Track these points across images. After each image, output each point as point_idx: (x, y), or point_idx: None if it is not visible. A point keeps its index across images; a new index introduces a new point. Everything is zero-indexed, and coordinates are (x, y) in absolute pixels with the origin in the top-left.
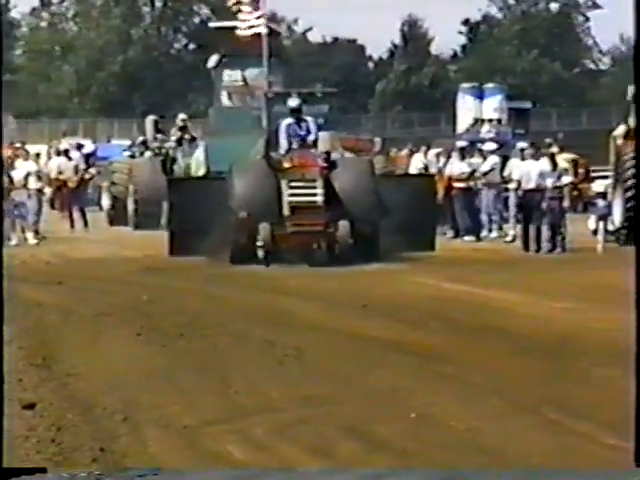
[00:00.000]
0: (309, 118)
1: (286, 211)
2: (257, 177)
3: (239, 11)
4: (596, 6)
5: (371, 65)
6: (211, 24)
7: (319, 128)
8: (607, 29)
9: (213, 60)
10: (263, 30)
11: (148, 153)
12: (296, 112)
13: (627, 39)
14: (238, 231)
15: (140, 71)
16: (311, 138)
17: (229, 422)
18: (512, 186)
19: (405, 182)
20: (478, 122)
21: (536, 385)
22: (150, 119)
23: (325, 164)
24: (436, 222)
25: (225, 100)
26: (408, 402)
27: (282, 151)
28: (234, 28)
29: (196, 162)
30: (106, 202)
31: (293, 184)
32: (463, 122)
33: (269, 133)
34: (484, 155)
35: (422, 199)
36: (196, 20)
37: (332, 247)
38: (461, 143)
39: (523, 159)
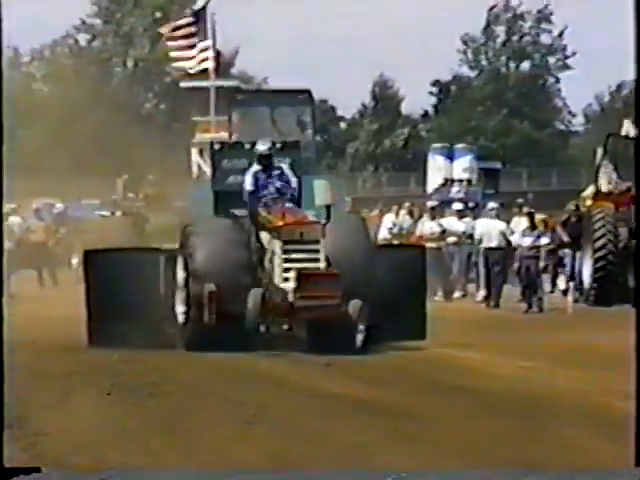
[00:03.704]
0: (284, 165)
1: (289, 279)
2: (224, 239)
3: (182, 42)
4: (567, 67)
5: (342, 125)
6: (182, 84)
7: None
8: (578, 90)
9: None
10: (211, 65)
11: (119, 213)
12: (265, 159)
13: (601, 98)
14: (200, 308)
15: (110, 131)
16: (291, 192)
17: None
18: (476, 244)
19: (388, 254)
20: (448, 182)
21: (502, 443)
22: (121, 179)
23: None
24: (425, 304)
25: (195, 156)
26: (373, 461)
27: (257, 206)
28: (206, 88)
29: None
30: (75, 261)
31: (290, 247)
32: (433, 182)
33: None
34: (459, 215)
35: (409, 275)
36: (167, 80)
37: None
38: (432, 203)
39: (489, 218)
